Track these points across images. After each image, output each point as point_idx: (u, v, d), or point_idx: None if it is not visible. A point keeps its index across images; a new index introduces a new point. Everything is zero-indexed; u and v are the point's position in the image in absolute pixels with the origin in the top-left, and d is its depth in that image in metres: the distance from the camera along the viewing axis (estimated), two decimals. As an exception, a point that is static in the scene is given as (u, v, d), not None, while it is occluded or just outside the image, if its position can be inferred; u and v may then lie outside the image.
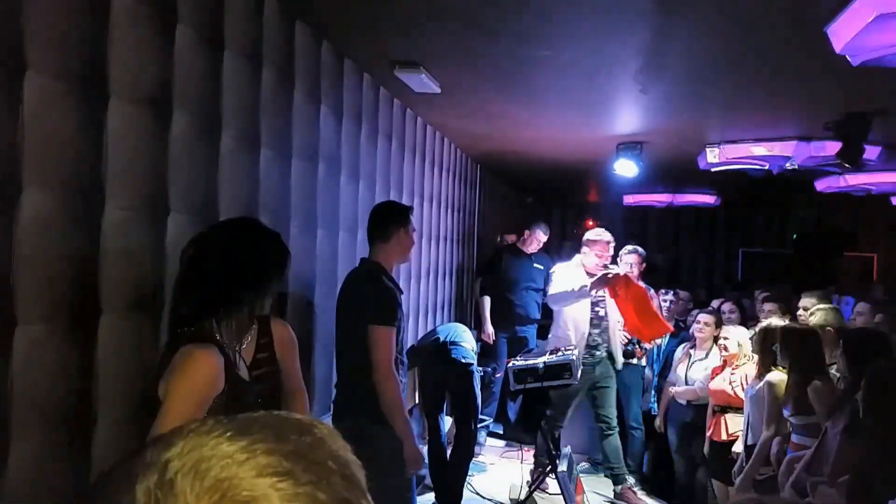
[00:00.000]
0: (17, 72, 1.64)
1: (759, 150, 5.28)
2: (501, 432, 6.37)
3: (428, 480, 4.87)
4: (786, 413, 3.50)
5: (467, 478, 4.81)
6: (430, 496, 4.61)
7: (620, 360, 5.17)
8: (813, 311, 4.33)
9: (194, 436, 0.53)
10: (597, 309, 5.02)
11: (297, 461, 0.52)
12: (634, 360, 5.45)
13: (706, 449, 4.49)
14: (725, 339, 4.44)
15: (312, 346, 3.26)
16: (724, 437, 4.26)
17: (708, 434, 4.42)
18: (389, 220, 3.00)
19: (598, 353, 5.06)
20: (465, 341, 4.59)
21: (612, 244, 5.04)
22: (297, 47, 3.05)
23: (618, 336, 5.14)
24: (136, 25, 2.04)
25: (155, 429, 1.70)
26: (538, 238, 6.27)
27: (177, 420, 1.68)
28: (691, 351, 4.92)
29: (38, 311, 1.72)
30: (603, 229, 5.16)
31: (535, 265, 6.31)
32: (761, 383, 3.84)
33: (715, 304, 5.65)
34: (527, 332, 6.27)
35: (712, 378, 4.50)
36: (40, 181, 1.71)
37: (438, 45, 3.39)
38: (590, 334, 5.02)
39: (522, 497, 4.54)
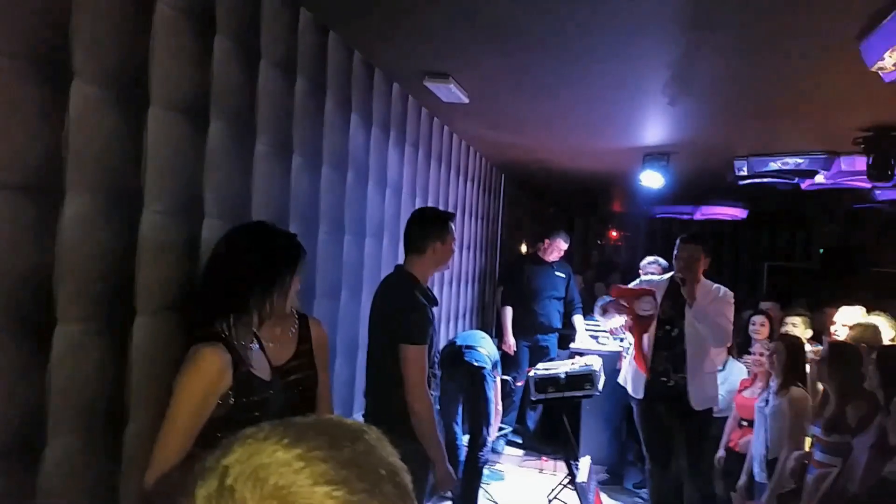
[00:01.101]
0: (64, 80, 1.70)
1: (788, 164, 5.24)
2: (521, 441, 6.36)
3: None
4: (815, 430, 3.45)
5: (485, 485, 4.82)
6: None
7: (698, 400, 4.17)
8: (853, 325, 4.28)
9: (252, 442, 0.55)
10: (667, 327, 4.27)
11: (352, 469, 0.54)
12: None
13: (720, 457, 4.46)
14: (762, 354, 4.36)
15: (335, 350, 3.30)
16: None
17: (730, 445, 4.39)
18: (425, 233, 2.86)
19: (668, 382, 4.24)
20: (482, 346, 4.59)
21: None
22: (329, 57, 3.10)
23: (704, 369, 4.22)
24: (177, 35, 2.10)
25: (164, 422, 1.76)
26: (559, 246, 6.27)
27: (182, 414, 1.75)
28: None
29: (77, 311, 1.78)
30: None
31: (557, 273, 6.32)
32: (781, 399, 3.80)
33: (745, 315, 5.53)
34: (548, 340, 6.27)
35: (740, 391, 4.46)
36: (82, 185, 1.76)
37: (468, 56, 3.42)
38: (655, 357, 4.28)
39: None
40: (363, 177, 3.59)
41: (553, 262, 6.32)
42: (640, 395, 4.35)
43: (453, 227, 2.93)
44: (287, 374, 2.21)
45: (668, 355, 4.23)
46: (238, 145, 2.44)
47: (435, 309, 2.89)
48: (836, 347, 3.47)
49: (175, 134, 2.12)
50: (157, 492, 1.64)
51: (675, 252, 4.25)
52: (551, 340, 6.30)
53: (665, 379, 4.23)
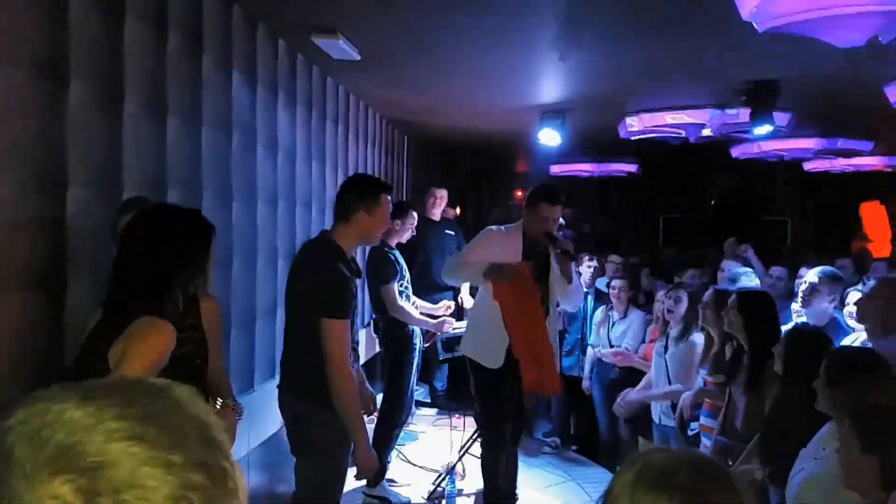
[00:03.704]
0: None
1: (676, 118, 5.41)
2: (429, 401, 6.44)
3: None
4: (703, 373, 3.63)
5: (399, 447, 4.87)
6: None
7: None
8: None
9: (37, 402, 0.52)
10: None
11: (150, 425, 0.52)
12: None
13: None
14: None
15: (230, 321, 3.18)
16: None
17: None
18: (351, 200, 2.74)
19: None
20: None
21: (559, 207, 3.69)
22: (204, 11, 2.92)
23: None
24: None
25: None
26: (437, 195, 6.22)
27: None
28: (610, 313, 5.04)
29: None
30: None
31: (447, 231, 6.37)
32: (682, 342, 3.98)
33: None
34: (445, 297, 6.31)
35: (651, 341, 4.60)
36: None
37: (356, 10, 3.32)
38: None
39: (454, 461, 4.62)
40: (251, 139, 3.45)
41: (442, 221, 6.35)
42: (499, 364, 3.71)
43: (387, 200, 2.80)
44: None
45: None
46: (104, 108, 2.27)
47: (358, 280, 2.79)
48: (719, 294, 3.65)
49: (27, 95, 1.94)
50: None
51: (544, 212, 3.62)
52: (448, 297, 6.35)
53: None
